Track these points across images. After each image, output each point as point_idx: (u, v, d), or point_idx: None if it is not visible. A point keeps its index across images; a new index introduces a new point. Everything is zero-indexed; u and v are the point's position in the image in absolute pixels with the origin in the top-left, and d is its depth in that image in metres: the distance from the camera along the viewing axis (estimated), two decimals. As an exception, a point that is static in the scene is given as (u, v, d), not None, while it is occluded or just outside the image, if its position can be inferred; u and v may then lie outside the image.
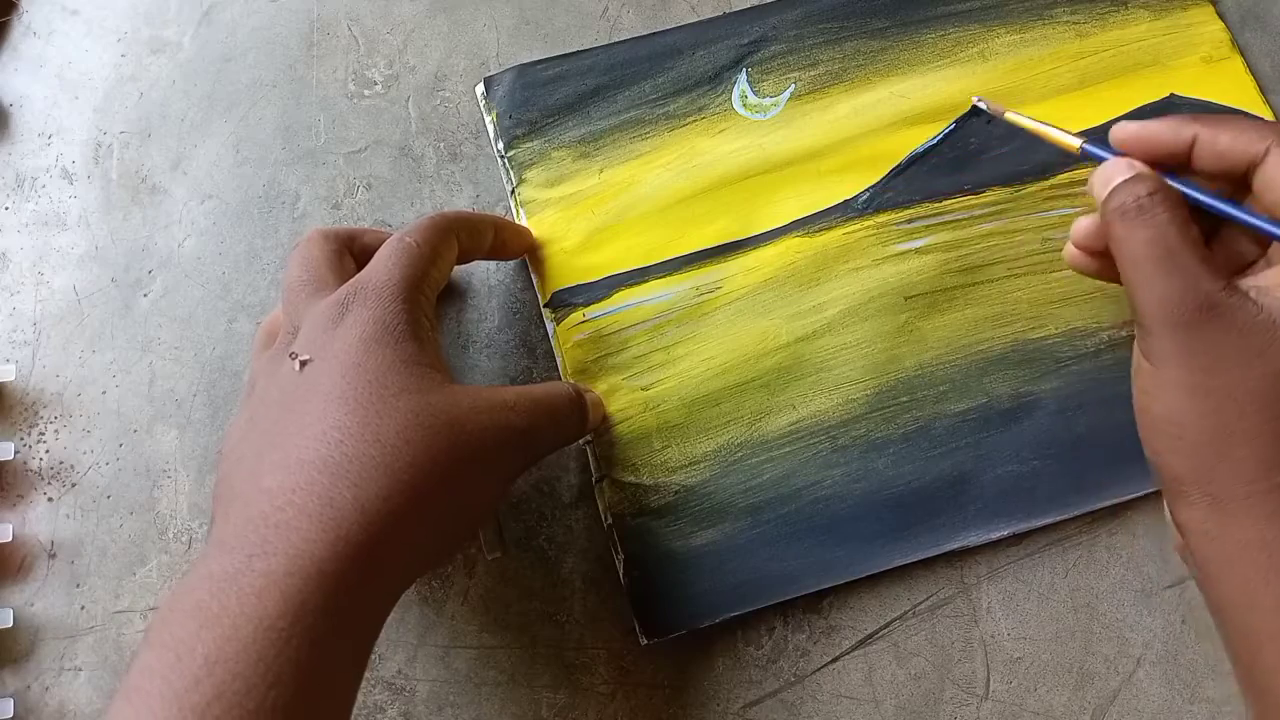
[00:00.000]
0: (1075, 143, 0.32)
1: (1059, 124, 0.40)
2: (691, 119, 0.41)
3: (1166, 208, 0.28)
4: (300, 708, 0.24)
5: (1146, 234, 0.28)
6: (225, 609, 0.24)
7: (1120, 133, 0.30)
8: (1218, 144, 0.29)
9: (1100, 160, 0.31)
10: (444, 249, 0.33)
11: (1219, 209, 0.29)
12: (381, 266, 0.31)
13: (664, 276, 0.39)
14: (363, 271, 0.31)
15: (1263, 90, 0.41)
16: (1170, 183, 0.29)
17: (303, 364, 0.29)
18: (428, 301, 0.32)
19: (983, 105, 0.37)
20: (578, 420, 0.35)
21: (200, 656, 0.24)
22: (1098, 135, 0.40)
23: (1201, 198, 0.29)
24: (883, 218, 0.39)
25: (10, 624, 0.35)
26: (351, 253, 0.34)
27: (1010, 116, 0.35)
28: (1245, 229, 0.29)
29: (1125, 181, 0.29)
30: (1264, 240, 0.29)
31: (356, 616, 0.27)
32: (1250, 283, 0.28)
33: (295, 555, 0.25)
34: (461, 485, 0.29)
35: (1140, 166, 0.29)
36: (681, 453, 0.37)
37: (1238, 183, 0.29)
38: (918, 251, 0.39)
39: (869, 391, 0.38)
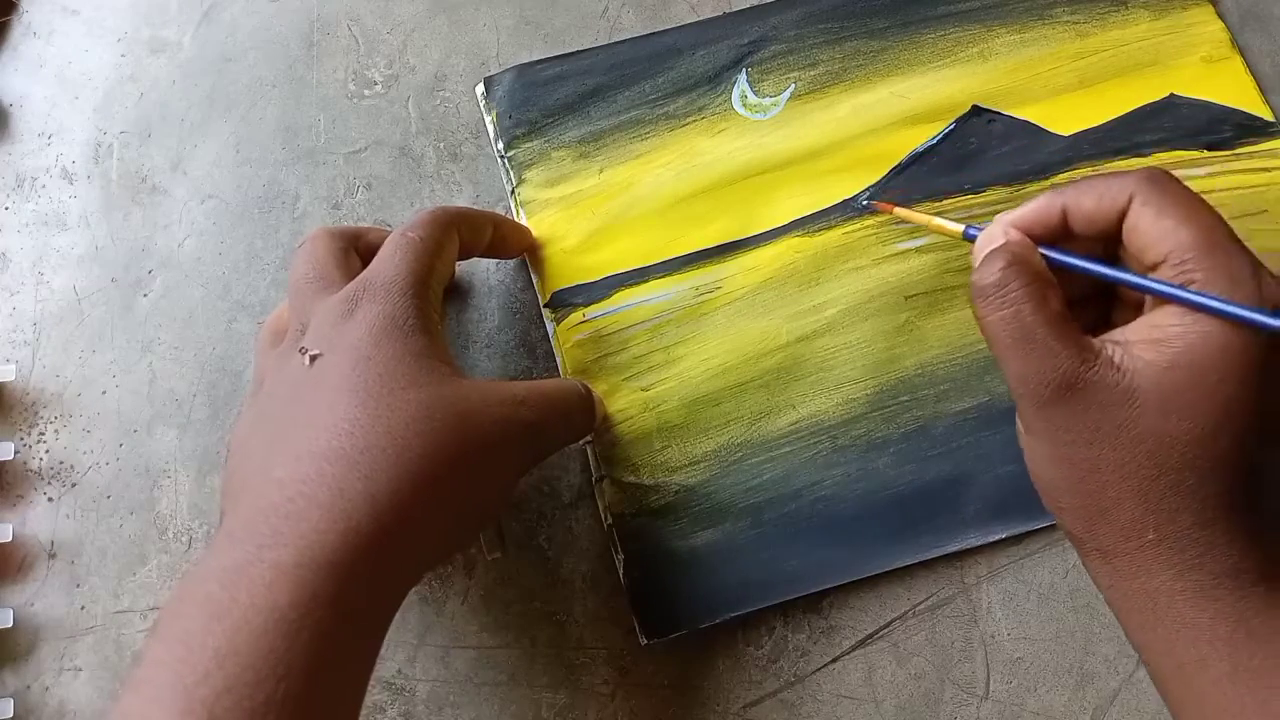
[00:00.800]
0: (958, 229, 0.32)
1: (1060, 123, 0.41)
2: (691, 119, 0.41)
3: (1023, 283, 0.28)
4: (311, 700, 0.24)
5: (1003, 313, 0.28)
6: (236, 600, 0.24)
7: (999, 222, 0.30)
8: (1083, 208, 0.28)
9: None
10: (447, 243, 0.33)
11: (1082, 269, 0.29)
12: (388, 262, 0.31)
13: (664, 276, 0.39)
14: (369, 267, 0.31)
15: (1263, 90, 0.41)
16: (1041, 251, 0.29)
17: (313, 358, 0.29)
18: (435, 296, 0.32)
19: (867, 203, 0.38)
20: (587, 417, 0.35)
21: (210, 649, 0.23)
22: (1097, 136, 0.40)
23: (1063, 259, 0.29)
24: (883, 217, 0.39)
25: (10, 624, 0.35)
26: (356, 250, 0.34)
27: (900, 212, 0.35)
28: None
29: (985, 258, 0.29)
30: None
31: (367, 609, 0.26)
32: (1118, 336, 0.27)
33: (306, 546, 0.25)
34: (472, 478, 0.29)
35: (1014, 234, 0.29)
36: (682, 453, 0.37)
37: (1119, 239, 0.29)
38: (918, 251, 0.39)
39: (869, 391, 0.38)
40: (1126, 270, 0.28)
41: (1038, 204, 0.29)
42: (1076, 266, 0.29)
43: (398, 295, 0.30)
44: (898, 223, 0.39)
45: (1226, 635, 0.26)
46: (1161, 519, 0.26)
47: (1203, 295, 0.26)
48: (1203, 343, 0.26)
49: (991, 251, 0.29)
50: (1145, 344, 0.26)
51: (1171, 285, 0.26)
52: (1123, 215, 0.28)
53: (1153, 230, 0.27)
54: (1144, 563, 0.27)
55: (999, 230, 0.29)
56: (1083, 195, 0.28)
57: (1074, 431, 0.27)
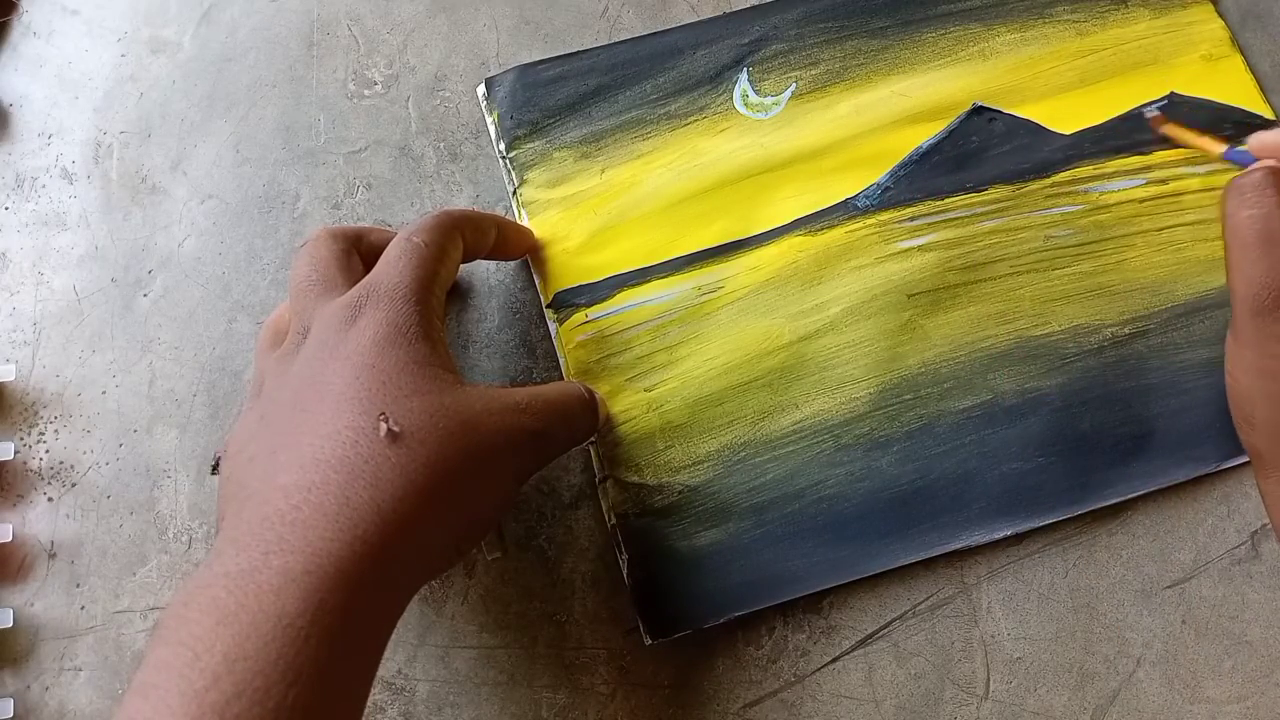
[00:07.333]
0: (1220, 149, 0.35)
1: (1061, 122, 0.41)
2: (693, 118, 0.41)
3: (1278, 193, 0.29)
4: (318, 706, 0.24)
5: (1250, 212, 0.29)
6: (243, 606, 0.24)
7: (1256, 140, 0.32)
8: None
9: (1238, 163, 0.33)
10: (450, 247, 0.33)
11: None
12: (392, 268, 0.31)
13: (666, 276, 0.39)
14: (373, 272, 0.31)
15: (1263, 89, 0.41)
16: None
17: (392, 434, 0.27)
18: (438, 301, 0.32)
19: (1150, 114, 0.39)
20: (589, 421, 0.35)
21: (219, 654, 0.23)
22: (1099, 134, 0.40)
23: None
24: (885, 216, 0.39)
25: (10, 624, 0.35)
26: (358, 251, 0.34)
27: (1168, 130, 0.38)
28: None
29: (1252, 168, 0.30)
30: None
31: (372, 616, 0.26)
32: None
33: (313, 554, 0.25)
34: (475, 485, 0.29)
35: None
36: (685, 453, 0.37)
37: None
38: (920, 249, 0.39)
39: (872, 390, 0.38)
40: None
41: None
42: None
43: (401, 302, 0.30)
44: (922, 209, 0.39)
45: None
46: None
47: None
48: None
49: (1261, 163, 0.31)
50: None
51: None
52: None
53: None
54: None
55: (1269, 162, 0.31)
56: None
57: None
